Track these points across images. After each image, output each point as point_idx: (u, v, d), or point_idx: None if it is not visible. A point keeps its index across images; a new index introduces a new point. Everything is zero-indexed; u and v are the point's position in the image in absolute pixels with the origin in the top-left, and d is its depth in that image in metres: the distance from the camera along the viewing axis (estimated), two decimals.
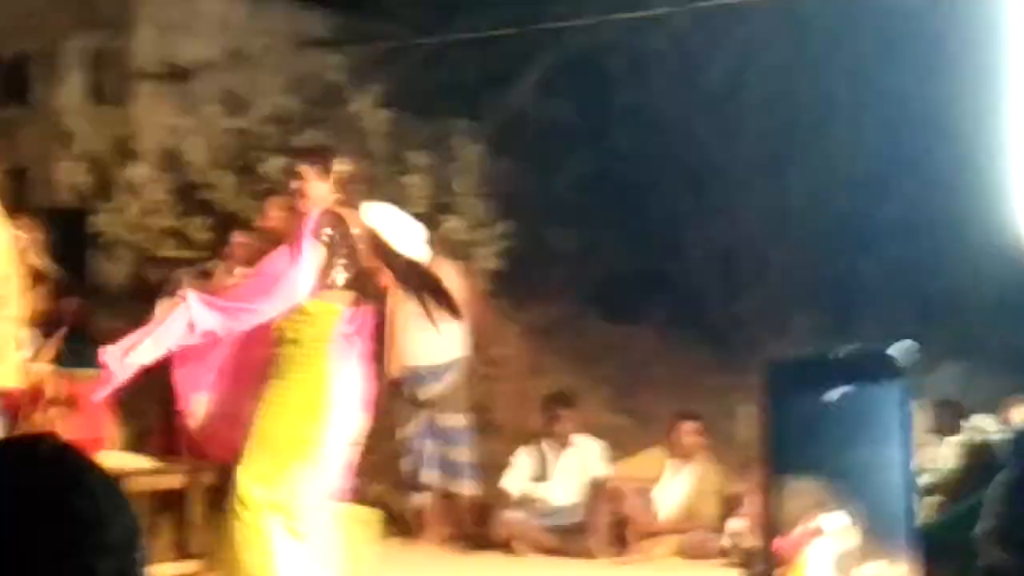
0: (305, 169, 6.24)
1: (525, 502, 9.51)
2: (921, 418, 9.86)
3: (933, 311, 11.72)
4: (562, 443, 9.59)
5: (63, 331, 8.59)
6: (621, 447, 10.18)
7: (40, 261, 7.24)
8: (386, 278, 6.58)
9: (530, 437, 9.89)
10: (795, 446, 1.12)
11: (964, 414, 9.95)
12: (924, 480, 9.40)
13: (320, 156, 6.37)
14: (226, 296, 6.23)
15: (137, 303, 11.20)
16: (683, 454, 9.55)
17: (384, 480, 9.94)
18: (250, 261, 8.82)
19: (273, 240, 6.85)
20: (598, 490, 9.43)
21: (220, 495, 8.23)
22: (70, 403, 8.43)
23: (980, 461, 9.49)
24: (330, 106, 11.51)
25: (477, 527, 9.51)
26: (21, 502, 1.41)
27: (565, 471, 9.58)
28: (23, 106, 12.04)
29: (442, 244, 9.88)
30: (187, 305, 6.02)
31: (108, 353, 6.04)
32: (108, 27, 12.04)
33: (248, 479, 6.06)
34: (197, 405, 6.47)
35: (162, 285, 10.14)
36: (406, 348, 9.28)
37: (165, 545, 7.41)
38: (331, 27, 12.59)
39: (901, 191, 11.86)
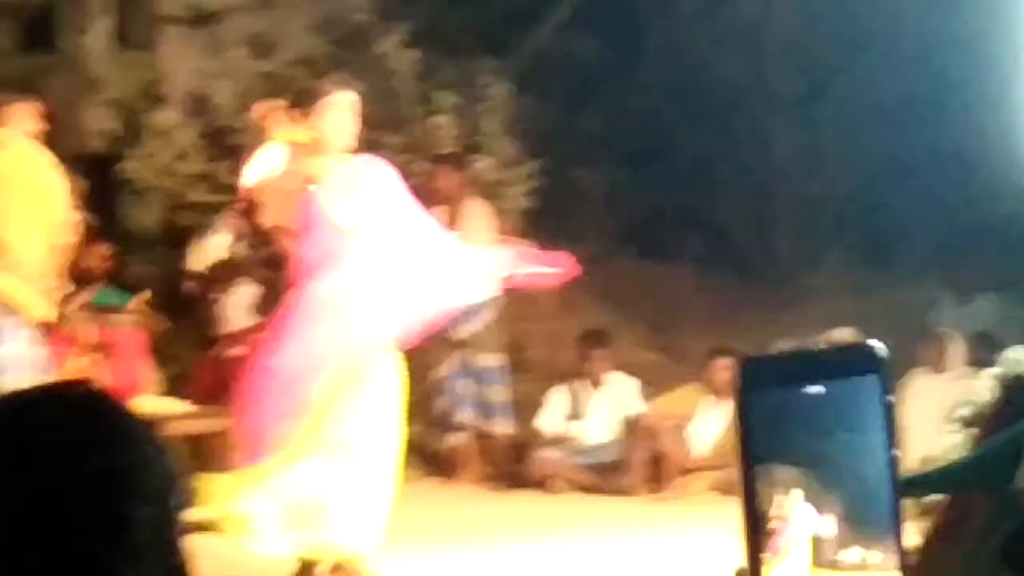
0: None
1: (560, 440, 9.53)
2: (958, 350, 9.85)
3: (967, 244, 11.65)
4: (596, 382, 9.60)
5: (98, 284, 8.63)
6: (655, 384, 10.18)
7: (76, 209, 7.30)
8: None
9: (564, 376, 9.90)
10: (773, 438, 1.13)
11: (999, 346, 9.91)
12: (962, 413, 9.40)
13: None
14: None
15: (169, 248, 11.23)
16: (718, 391, 9.55)
17: (419, 420, 9.96)
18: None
19: None
20: (633, 428, 9.44)
21: None
22: (104, 349, 8.48)
23: (1017, 394, 9.47)
24: (356, 47, 11.46)
25: (513, 466, 9.54)
26: (55, 450, 1.40)
27: (600, 409, 9.59)
28: (50, 53, 12.01)
29: (473, 184, 9.85)
30: None
31: None
32: None
33: None
34: None
35: (193, 230, 10.16)
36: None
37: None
38: None
39: (933, 123, 11.77)
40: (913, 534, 4.55)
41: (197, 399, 8.56)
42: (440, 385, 9.43)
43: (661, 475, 9.34)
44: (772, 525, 1.32)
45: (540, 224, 11.42)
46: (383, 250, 6.18)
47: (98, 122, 11.52)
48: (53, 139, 11.06)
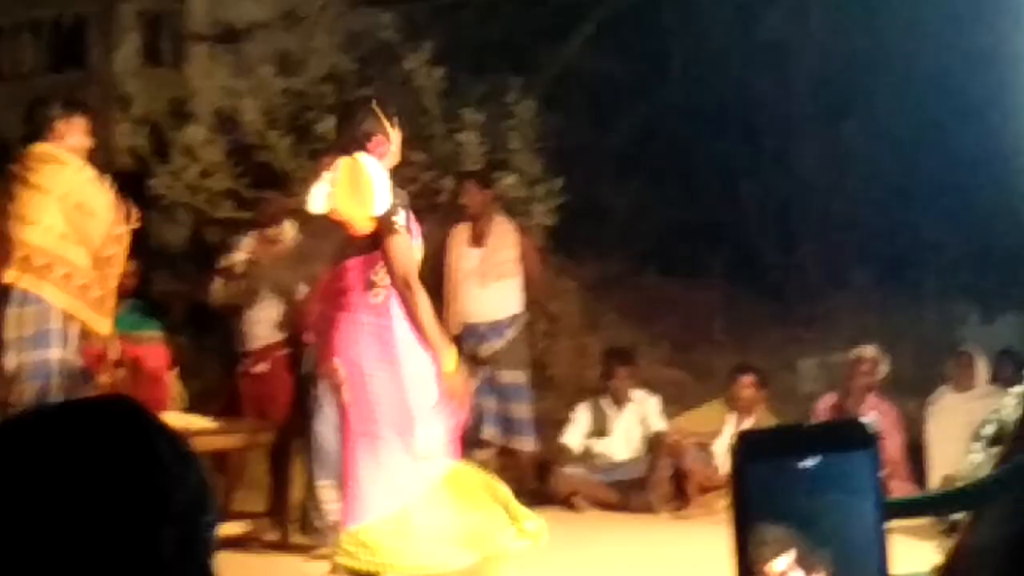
0: None
1: (585, 457, 9.55)
2: (982, 368, 9.84)
3: (992, 262, 11.63)
4: (620, 399, 9.61)
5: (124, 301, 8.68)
6: (679, 402, 10.19)
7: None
8: None
9: (588, 393, 9.91)
10: (767, 504, 1.16)
11: None
12: (987, 431, 9.38)
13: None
14: None
15: (195, 265, 11.29)
16: (742, 408, 9.55)
17: None
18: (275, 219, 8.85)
19: None
20: (658, 445, 9.45)
21: (280, 454, 8.33)
22: (133, 365, 8.53)
23: None
24: (382, 65, 11.52)
25: (537, 483, 9.55)
26: (88, 467, 1.40)
27: (624, 426, 9.60)
28: (80, 70, 12.11)
29: (499, 201, 9.88)
30: None
31: None
32: None
33: None
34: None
35: (220, 247, 10.22)
36: (466, 305, 9.32)
37: (223, 504, 7.54)
38: None
39: (960, 141, 11.75)
40: (936, 553, 4.55)
41: (224, 414, 8.60)
42: None
43: (686, 493, 9.34)
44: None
45: (565, 241, 11.46)
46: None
47: (126, 138, 11.60)
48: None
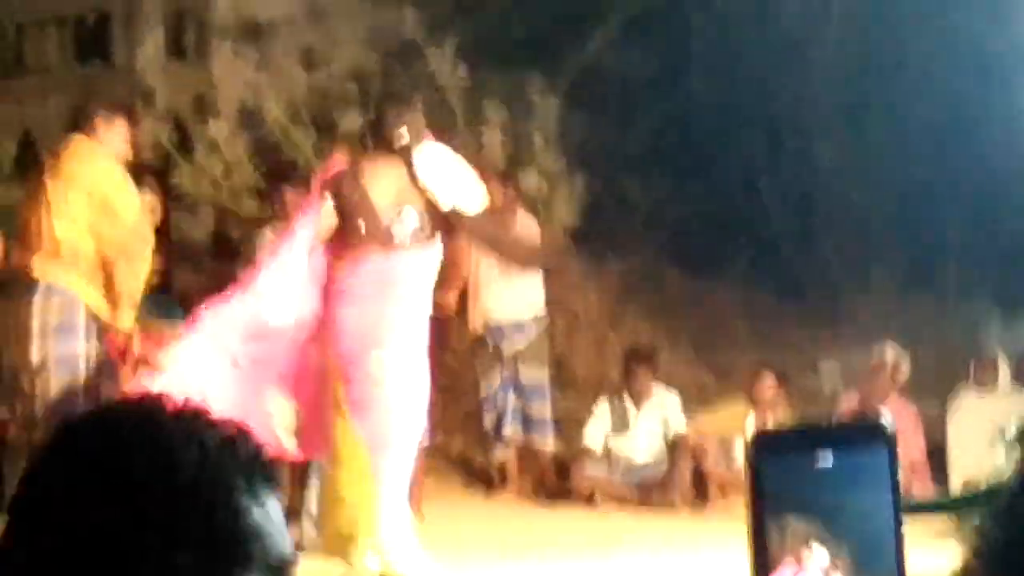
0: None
1: (605, 456, 9.55)
2: (1005, 368, 9.81)
3: (1015, 263, 11.58)
4: (641, 398, 9.61)
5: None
6: (701, 401, 10.18)
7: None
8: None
9: (608, 391, 9.91)
10: (784, 503, 1.17)
11: None
12: (1009, 431, 9.36)
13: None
14: None
15: (219, 261, 11.31)
16: (763, 407, 9.54)
17: (466, 434, 10.01)
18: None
19: None
20: (679, 444, 9.44)
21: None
22: (152, 359, 8.55)
23: None
24: (406, 61, 11.52)
25: (558, 480, 9.55)
26: (100, 481, 1.33)
27: (645, 425, 9.60)
28: (105, 65, 12.15)
29: (521, 198, 9.88)
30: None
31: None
32: None
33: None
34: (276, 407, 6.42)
35: (243, 242, 10.24)
36: (489, 303, 9.32)
37: None
38: None
39: (981, 137, 11.71)
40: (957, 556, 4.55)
41: None
42: (486, 400, 9.46)
43: (706, 492, 9.34)
44: (780, 571, 1.36)
45: (586, 239, 11.45)
46: None
47: (150, 133, 11.63)
48: None
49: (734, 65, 12.84)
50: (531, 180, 10.79)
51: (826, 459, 1.34)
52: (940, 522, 7.09)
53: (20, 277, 6.55)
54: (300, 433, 6.41)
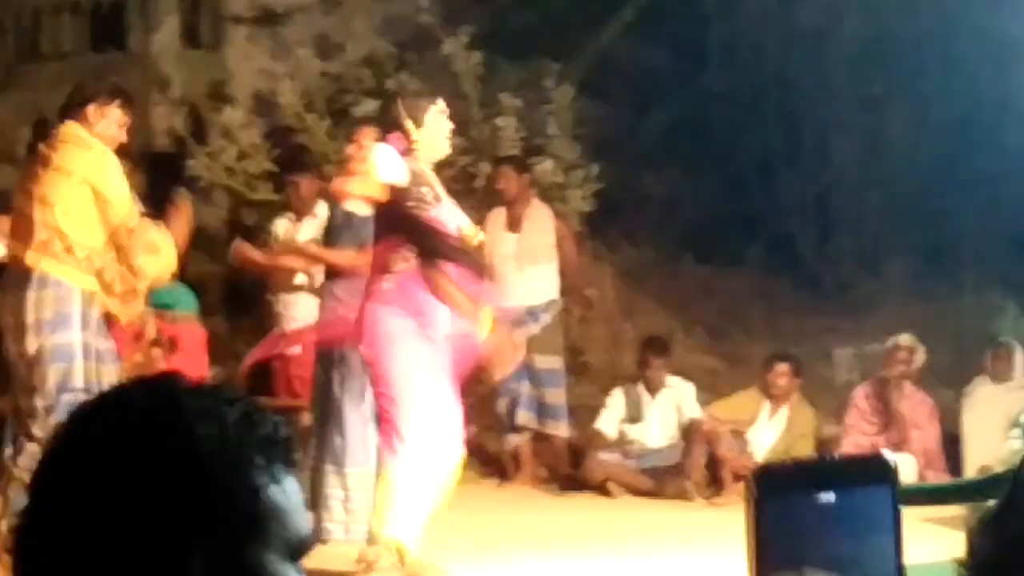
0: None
1: (619, 444, 9.54)
2: (1020, 359, 9.78)
3: None
4: (655, 386, 9.59)
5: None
6: (714, 389, 10.17)
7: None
8: None
9: (623, 379, 9.90)
10: (786, 543, 1.16)
11: None
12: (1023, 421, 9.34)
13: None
14: None
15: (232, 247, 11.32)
16: (777, 396, 9.53)
17: (480, 421, 10.00)
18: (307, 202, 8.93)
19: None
20: (693, 432, 9.43)
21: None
22: (170, 344, 8.56)
23: None
24: (421, 49, 11.52)
25: (572, 468, 9.55)
26: (114, 468, 1.32)
27: (659, 413, 9.59)
28: (121, 52, 12.15)
29: (535, 186, 9.87)
30: None
31: None
32: None
33: None
34: None
35: (258, 228, 10.25)
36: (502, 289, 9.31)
37: None
38: None
39: (998, 131, 11.67)
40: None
41: (256, 395, 8.62)
42: (499, 387, 9.45)
43: (720, 480, 9.32)
44: None
45: (601, 227, 11.44)
46: None
47: (165, 120, 11.65)
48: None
49: (751, 55, 12.82)
50: (546, 168, 10.77)
51: (828, 496, 1.35)
52: (954, 510, 7.08)
53: (13, 268, 6.45)
54: None
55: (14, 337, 6.38)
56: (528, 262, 9.33)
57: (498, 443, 9.73)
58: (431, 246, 6.20)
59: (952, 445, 9.46)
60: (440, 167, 7.52)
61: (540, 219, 9.52)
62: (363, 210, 7.01)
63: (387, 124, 6.55)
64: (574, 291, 9.94)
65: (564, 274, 9.52)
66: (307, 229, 8.91)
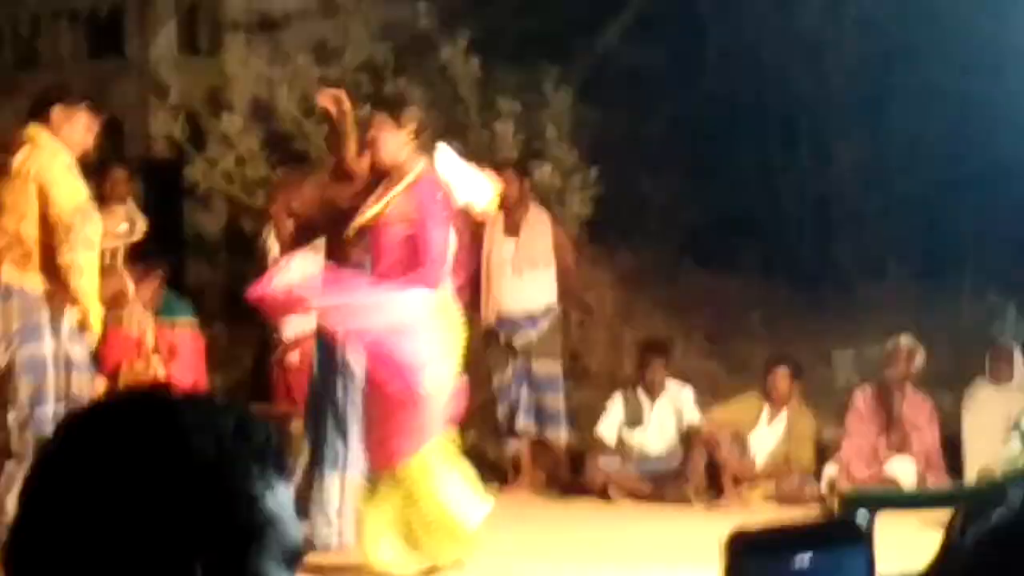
0: (380, 119, 6.51)
1: (619, 448, 9.53)
2: (1019, 361, 9.77)
3: None
4: (655, 390, 9.59)
5: (158, 278, 8.69)
6: (714, 393, 10.16)
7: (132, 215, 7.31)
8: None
9: (623, 384, 9.89)
10: None
11: None
12: (1022, 424, 9.34)
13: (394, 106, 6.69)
14: None
15: (231, 253, 11.32)
16: (777, 400, 9.52)
17: (479, 427, 10.00)
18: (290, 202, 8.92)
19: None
20: (693, 436, 9.42)
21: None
22: (169, 351, 8.56)
23: None
24: (419, 54, 11.52)
25: (572, 474, 9.54)
26: (111, 483, 1.31)
27: (659, 417, 9.58)
28: (119, 58, 12.16)
29: (534, 191, 9.87)
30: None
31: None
32: None
33: None
34: None
35: (257, 235, 10.25)
36: (501, 294, 9.30)
37: None
38: None
39: (998, 136, 11.67)
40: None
41: (254, 402, 8.63)
42: (498, 393, 9.45)
43: (720, 484, 9.32)
44: None
45: (600, 232, 11.44)
46: None
47: (164, 127, 11.65)
48: (121, 143, 11.19)
49: (749, 60, 12.82)
50: (544, 173, 10.77)
51: (803, 560, 1.35)
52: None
53: None
54: None
55: None
56: (526, 267, 9.33)
57: (498, 449, 9.72)
58: None
59: (952, 447, 9.46)
60: None
61: (538, 224, 9.51)
62: None
63: None
64: (573, 296, 9.93)
65: (562, 279, 9.51)
66: None
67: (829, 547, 1.38)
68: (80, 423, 1.37)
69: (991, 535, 1.36)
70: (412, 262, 6.40)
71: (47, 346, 6.18)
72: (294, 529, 1.36)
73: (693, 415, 9.53)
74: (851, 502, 5.08)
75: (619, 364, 10.71)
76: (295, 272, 6.46)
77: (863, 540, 1.39)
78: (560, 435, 9.50)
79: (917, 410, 9.44)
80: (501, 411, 9.46)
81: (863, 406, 9.51)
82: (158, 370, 8.13)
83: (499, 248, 9.33)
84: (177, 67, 12.01)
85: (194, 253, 11.54)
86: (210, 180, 11.05)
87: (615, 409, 9.62)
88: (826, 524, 1.49)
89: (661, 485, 9.32)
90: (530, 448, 9.56)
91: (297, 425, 7.97)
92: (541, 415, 9.41)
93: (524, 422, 9.39)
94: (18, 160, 6.24)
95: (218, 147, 11.14)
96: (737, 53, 12.96)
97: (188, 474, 1.31)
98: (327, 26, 11.81)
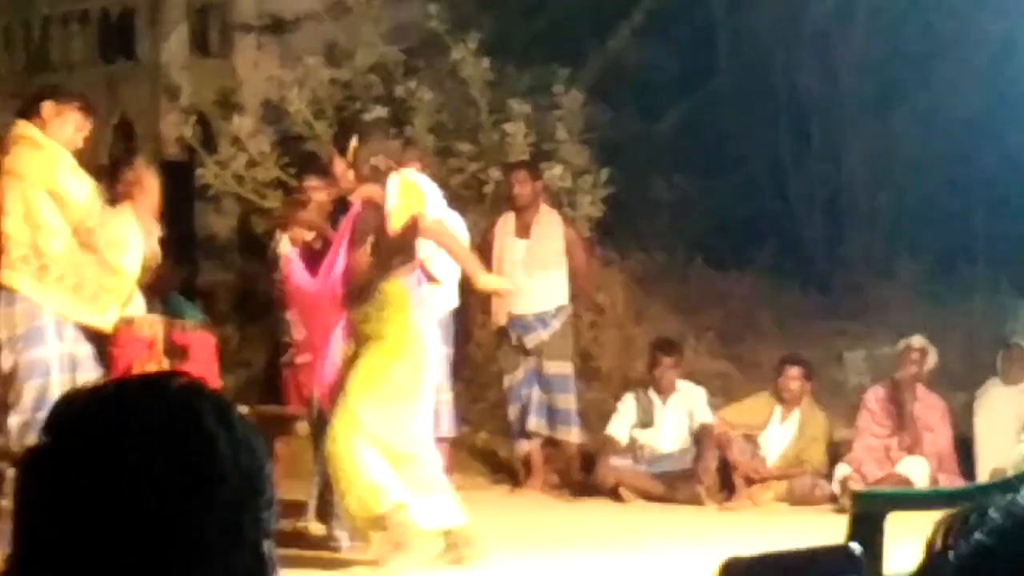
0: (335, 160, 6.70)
1: (631, 449, 9.52)
2: None
3: None
4: (666, 390, 9.58)
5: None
6: (726, 394, 10.16)
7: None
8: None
9: (634, 384, 9.89)
10: None
11: None
12: None
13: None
14: None
15: (242, 255, 11.34)
16: (789, 400, 9.51)
17: (490, 427, 10.01)
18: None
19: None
20: (704, 436, 9.41)
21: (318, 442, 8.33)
22: (181, 353, 8.56)
23: None
24: (430, 55, 11.53)
25: (583, 474, 9.53)
26: (130, 448, 1.36)
27: (670, 418, 9.57)
28: (130, 61, 12.18)
29: (545, 192, 9.87)
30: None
31: None
32: None
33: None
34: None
35: (268, 236, 10.25)
36: (512, 295, 9.30)
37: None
38: None
39: (1008, 132, 11.66)
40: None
41: (263, 404, 8.65)
42: (509, 393, 9.45)
43: (732, 484, 9.31)
44: None
45: (611, 232, 11.43)
46: None
47: (175, 129, 11.67)
48: (132, 145, 11.20)
49: (759, 59, 12.81)
50: (555, 174, 10.77)
51: None
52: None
53: None
54: None
55: None
56: (538, 268, 9.33)
57: (509, 449, 9.72)
58: None
59: (965, 447, 9.44)
60: (450, 173, 7.58)
61: (549, 225, 9.51)
62: None
63: None
64: (584, 297, 9.93)
65: (574, 280, 9.51)
66: None
67: (824, 574, 1.38)
68: (90, 410, 1.41)
69: (973, 558, 1.35)
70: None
71: (52, 349, 6.13)
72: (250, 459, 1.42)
73: (705, 415, 9.52)
74: (863, 502, 5.07)
75: (630, 364, 10.70)
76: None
77: (858, 569, 1.39)
78: (571, 435, 9.49)
79: (929, 410, 9.42)
80: (512, 411, 9.46)
81: (875, 406, 9.49)
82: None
83: (510, 249, 9.33)
84: (188, 69, 12.03)
85: (205, 255, 11.55)
86: (221, 182, 11.07)
87: (626, 409, 9.61)
88: (820, 551, 1.48)
89: (672, 485, 9.31)
90: (541, 448, 9.56)
91: (304, 427, 8.00)
92: (552, 415, 9.41)
93: (536, 422, 9.39)
94: (14, 161, 6.15)
95: (229, 149, 11.16)
96: (747, 52, 12.95)
97: (211, 464, 1.37)
98: (337, 28, 11.81)
